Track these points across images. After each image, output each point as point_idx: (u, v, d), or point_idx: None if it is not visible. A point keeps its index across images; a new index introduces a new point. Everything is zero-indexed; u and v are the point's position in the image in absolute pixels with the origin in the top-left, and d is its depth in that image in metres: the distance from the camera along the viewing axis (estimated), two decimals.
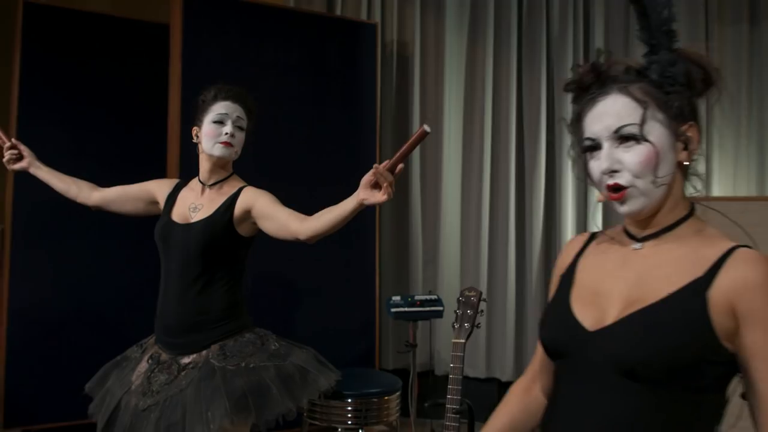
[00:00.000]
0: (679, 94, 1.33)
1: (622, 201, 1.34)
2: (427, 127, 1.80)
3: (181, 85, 3.77)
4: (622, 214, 1.36)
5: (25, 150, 2.73)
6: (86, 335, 3.96)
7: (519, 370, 4.55)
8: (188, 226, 2.46)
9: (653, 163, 1.31)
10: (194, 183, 2.59)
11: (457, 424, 2.48)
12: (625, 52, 4.48)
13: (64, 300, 4.02)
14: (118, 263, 4.09)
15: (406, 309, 3.47)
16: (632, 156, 1.32)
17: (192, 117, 2.58)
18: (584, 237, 1.57)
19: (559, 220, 4.56)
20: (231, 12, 3.96)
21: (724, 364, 1.26)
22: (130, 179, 2.81)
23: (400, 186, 4.71)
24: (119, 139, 4.15)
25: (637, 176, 1.32)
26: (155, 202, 2.66)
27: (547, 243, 4.56)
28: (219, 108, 2.47)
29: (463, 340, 2.55)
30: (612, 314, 1.34)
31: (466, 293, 2.62)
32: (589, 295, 1.41)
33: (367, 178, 1.97)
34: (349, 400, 2.88)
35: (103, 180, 3.10)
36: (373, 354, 4.28)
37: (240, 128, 2.50)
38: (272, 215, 2.36)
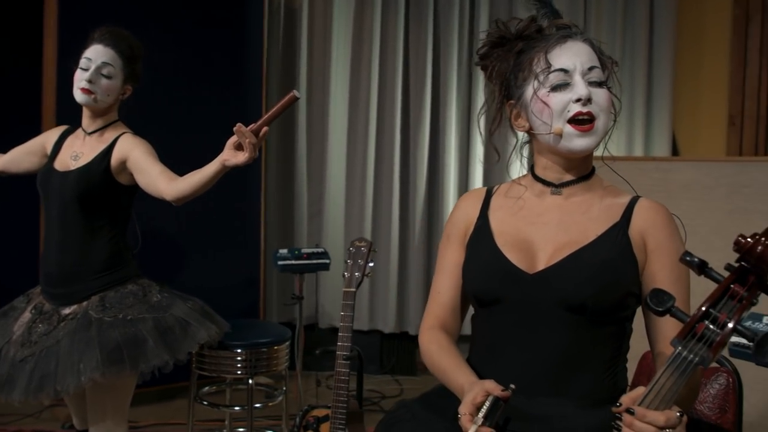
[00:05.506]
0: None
1: (588, 133, 1.45)
2: (296, 93, 1.91)
3: (58, 27, 3.60)
4: (579, 148, 1.46)
5: None
6: None
7: (401, 322, 4.66)
8: (65, 174, 2.38)
9: (611, 107, 1.49)
10: (79, 130, 2.49)
11: (348, 371, 2.54)
12: (509, 12, 4.59)
13: None
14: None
15: (294, 262, 3.49)
16: (601, 95, 1.47)
17: None
18: (481, 192, 1.65)
19: (442, 175, 4.66)
20: None
21: (637, 296, 1.48)
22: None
23: (286, 139, 4.70)
24: None
25: (603, 112, 1.47)
26: (47, 154, 2.53)
27: (430, 198, 4.65)
28: (88, 52, 2.35)
29: (354, 289, 2.60)
30: (543, 258, 1.48)
31: (357, 243, 2.66)
32: (516, 242, 1.52)
33: (232, 139, 2.01)
34: (239, 350, 2.88)
35: None
36: (257, 307, 4.29)
37: (105, 75, 2.34)
38: (144, 170, 2.30)
